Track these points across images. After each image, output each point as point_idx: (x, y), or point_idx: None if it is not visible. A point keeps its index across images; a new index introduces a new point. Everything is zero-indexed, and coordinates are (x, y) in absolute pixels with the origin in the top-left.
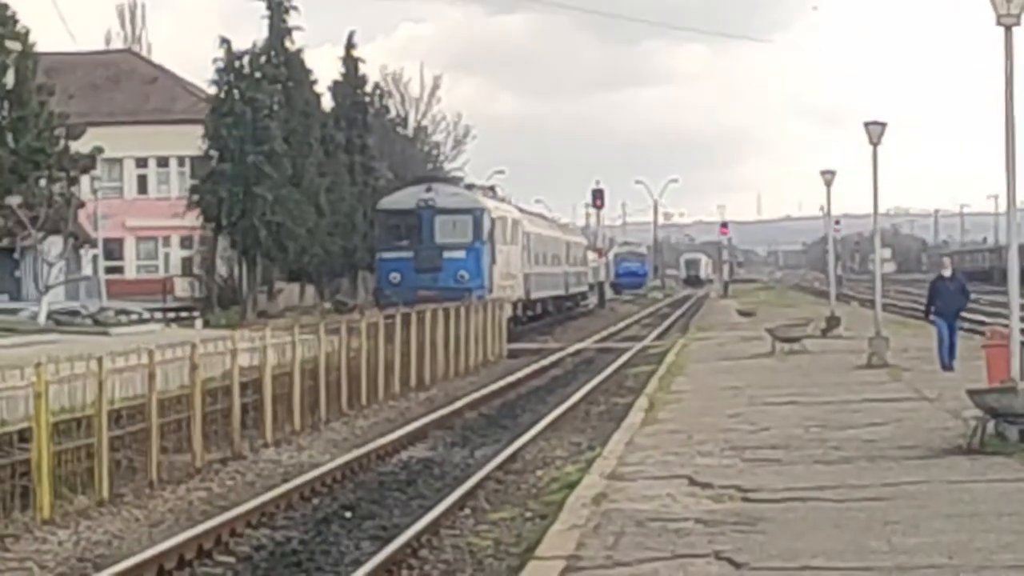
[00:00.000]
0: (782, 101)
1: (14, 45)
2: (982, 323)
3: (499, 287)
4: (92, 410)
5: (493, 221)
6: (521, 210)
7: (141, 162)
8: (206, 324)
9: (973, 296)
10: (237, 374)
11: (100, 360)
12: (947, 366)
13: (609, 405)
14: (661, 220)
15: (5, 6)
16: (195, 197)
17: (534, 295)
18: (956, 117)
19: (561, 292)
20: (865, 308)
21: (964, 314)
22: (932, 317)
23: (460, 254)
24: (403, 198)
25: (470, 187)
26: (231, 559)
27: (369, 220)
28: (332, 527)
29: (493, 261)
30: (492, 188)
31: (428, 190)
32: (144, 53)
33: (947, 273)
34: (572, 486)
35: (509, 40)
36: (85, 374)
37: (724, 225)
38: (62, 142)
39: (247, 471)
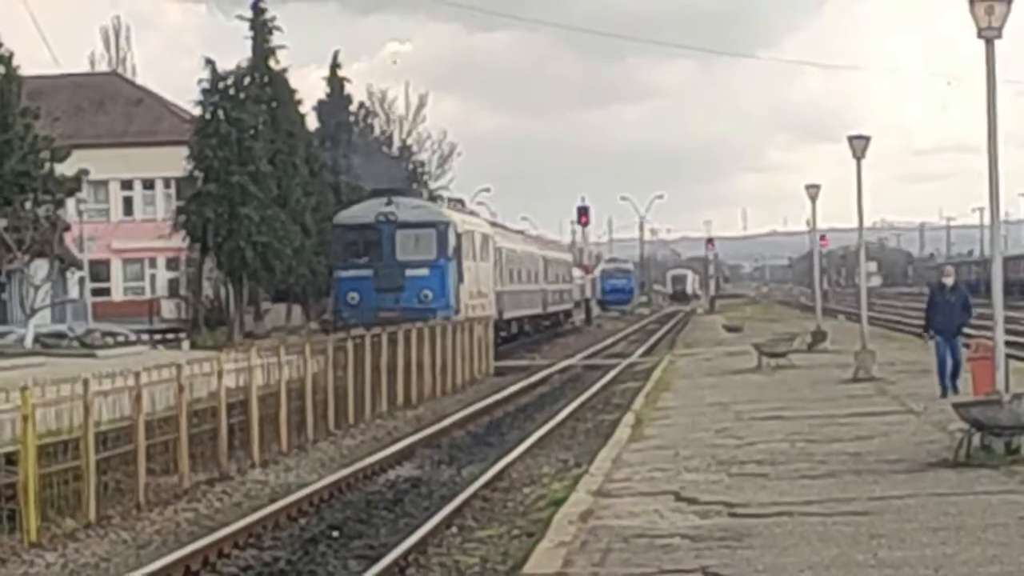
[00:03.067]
0: (767, 116)
1: None
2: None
3: (467, 307)
4: (79, 432)
5: (459, 236)
6: (494, 224)
7: (126, 184)
8: (193, 345)
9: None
10: (224, 395)
11: (86, 382)
12: (948, 390)
13: (596, 422)
14: (647, 236)
15: None
16: (181, 218)
17: (508, 314)
18: (941, 130)
19: (539, 311)
20: (851, 322)
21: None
22: (930, 334)
23: (423, 272)
24: (361, 212)
25: (434, 199)
26: None
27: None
28: (319, 547)
29: (460, 279)
30: (460, 201)
31: (388, 203)
32: (129, 75)
33: (949, 283)
34: (559, 503)
35: (493, 58)
36: (71, 396)
37: (710, 241)
38: (47, 165)
39: (234, 492)
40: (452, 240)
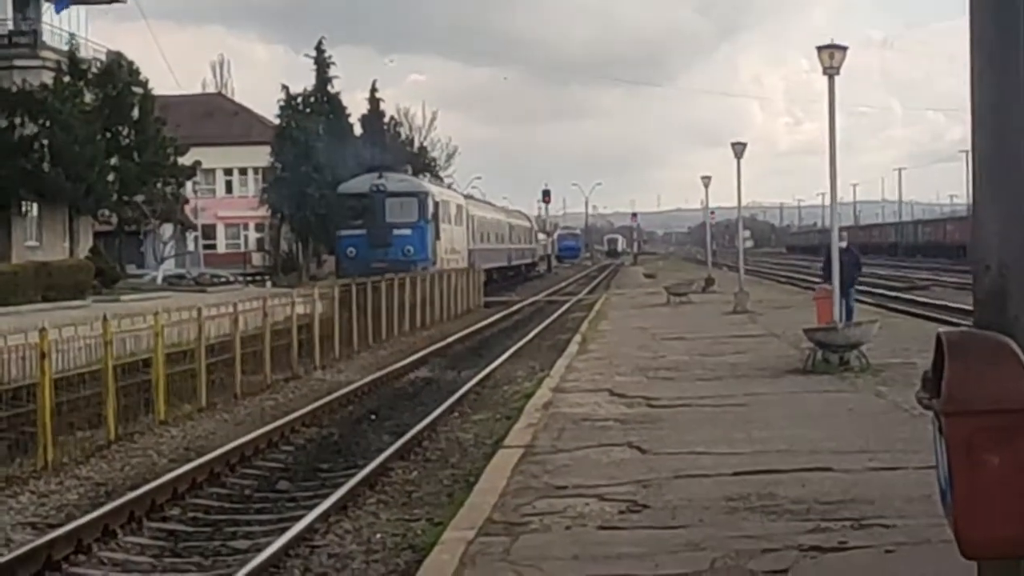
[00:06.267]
0: (674, 128)
1: (138, 90)
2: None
3: (443, 260)
4: (194, 344)
5: (437, 204)
6: (468, 197)
7: (227, 171)
8: (273, 284)
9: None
10: (295, 319)
11: (199, 310)
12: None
13: (554, 340)
14: (591, 211)
15: (131, 63)
16: (265, 196)
17: (478, 267)
18: (795, 138)
19: (504, 264)
20: (732, 272)
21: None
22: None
23: (407, 231)
24: (358, 184)
25: (417, 174)
26: (291, 448)
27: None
28: (362, 425)
29: (437, 238)
30: (439, 177)
31: (379, 177)
32: (229, 95)
33: (843, 245)
34: (529, 396)
35: (484, 86)
36: (189, 319)
37: (634, 215)
38: (172, 158)
39: (302, 387)
40: (431, 207)
